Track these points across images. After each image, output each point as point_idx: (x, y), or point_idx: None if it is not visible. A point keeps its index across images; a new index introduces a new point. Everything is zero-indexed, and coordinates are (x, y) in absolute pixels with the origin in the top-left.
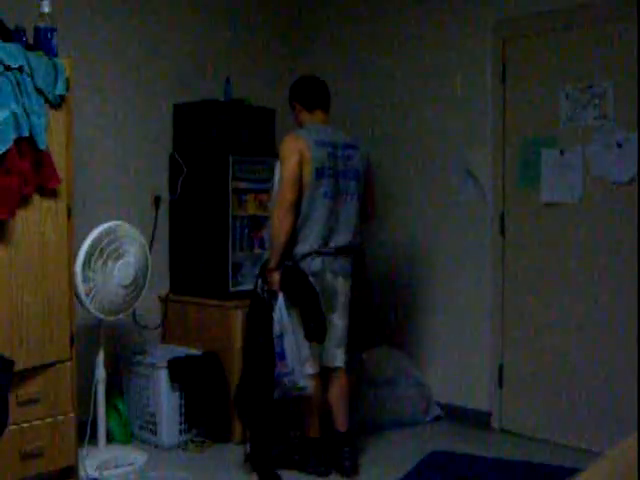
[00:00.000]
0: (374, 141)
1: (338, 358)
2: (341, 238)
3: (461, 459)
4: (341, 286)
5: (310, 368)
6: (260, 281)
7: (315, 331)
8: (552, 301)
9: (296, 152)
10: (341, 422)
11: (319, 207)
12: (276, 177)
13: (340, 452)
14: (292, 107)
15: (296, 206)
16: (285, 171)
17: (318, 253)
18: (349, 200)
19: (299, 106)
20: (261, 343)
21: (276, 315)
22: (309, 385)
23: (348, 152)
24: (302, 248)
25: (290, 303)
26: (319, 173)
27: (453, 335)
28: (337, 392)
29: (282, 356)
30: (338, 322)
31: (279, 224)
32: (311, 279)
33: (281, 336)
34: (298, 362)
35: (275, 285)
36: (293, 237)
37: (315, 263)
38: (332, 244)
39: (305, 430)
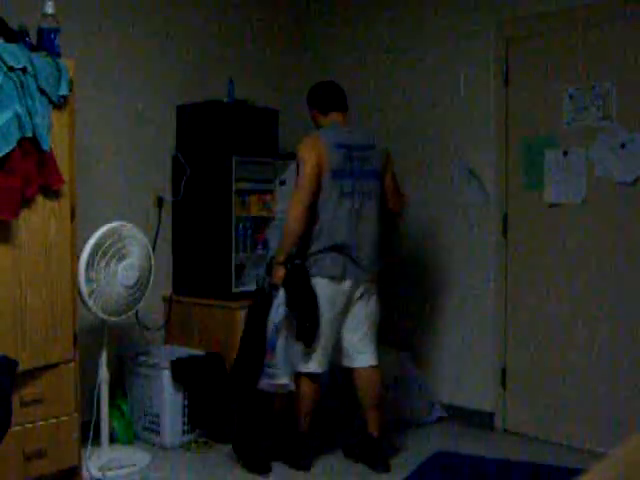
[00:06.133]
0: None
1: (358, 359)
2: (366, 248)
3: (464, 460)
4: (359, 296)
5: (309, 367)
6: (265, 273)
7: (305, 334)
8: (555, 302)
9: (315, 153)
10: (373, 426)
11: (335, 208)
12: (290, 176)
13: (375, 456)
14: (310, 112)
15: (312, 207)
16: (303, 171)
17: (338, 252)
18: (367, 200)
19: (315, 110)
20: (256, 333)
21: (273, 309)
22: (292, 384)
23: (365, 153)
24: (315, 247)
25: (288, 301)
26: (336, 175)
27: (456, 336)
28: (366, 393)
29: (273, 348)
30: (349, 335)
31: (293, 222)
32: (324, 282)
33: (276, 329)
34: (285, 359)
35: (278, 280)
36: (307, 237)
37: (335, 269)
38: (354, 251)
39: (296, 425)
